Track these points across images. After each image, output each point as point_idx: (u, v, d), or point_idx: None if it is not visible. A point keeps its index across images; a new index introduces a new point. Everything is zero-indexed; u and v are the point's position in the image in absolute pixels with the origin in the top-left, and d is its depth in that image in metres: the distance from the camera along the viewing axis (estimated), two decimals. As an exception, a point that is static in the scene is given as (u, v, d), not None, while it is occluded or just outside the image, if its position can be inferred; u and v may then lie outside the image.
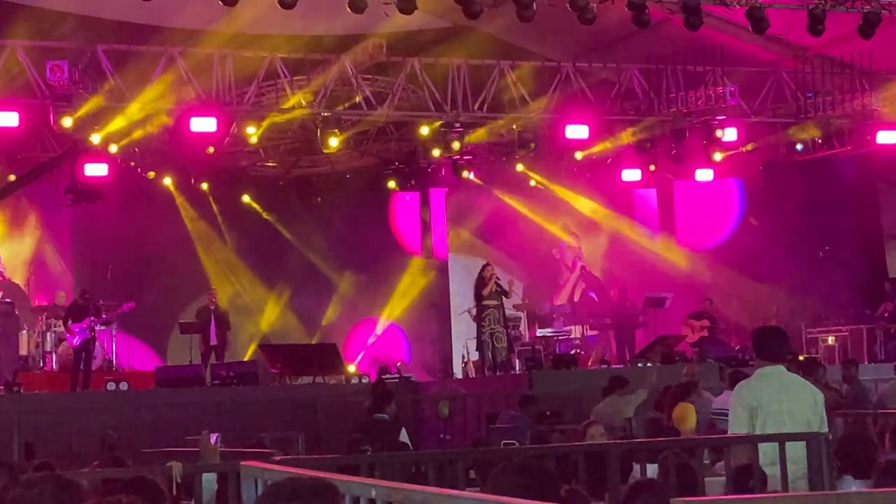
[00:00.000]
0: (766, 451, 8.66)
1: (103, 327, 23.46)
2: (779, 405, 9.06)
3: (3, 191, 14.24)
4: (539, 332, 25.81)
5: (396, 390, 21.17)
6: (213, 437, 16.46)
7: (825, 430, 9.10)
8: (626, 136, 25.59)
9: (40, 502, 5.06)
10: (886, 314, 25.53)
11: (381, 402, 15.36)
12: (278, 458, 8.64)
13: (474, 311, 23.49)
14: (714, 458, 11.54)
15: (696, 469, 8.88)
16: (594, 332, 27.80)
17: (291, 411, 20.07)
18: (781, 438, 9.74)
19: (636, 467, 9.63)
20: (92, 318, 22.35)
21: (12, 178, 23.95)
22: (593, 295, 29.05)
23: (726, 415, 16.46)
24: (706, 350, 23.38)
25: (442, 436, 19.72)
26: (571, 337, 26.91)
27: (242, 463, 6.64)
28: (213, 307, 24.38)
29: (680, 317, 26.96)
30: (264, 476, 6.30)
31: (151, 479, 6.87)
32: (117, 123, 22.57)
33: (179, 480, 7.94)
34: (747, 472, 9.64)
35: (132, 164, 24.67)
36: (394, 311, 27.95)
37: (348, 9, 17.50)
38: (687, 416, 15.81)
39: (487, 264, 24.11)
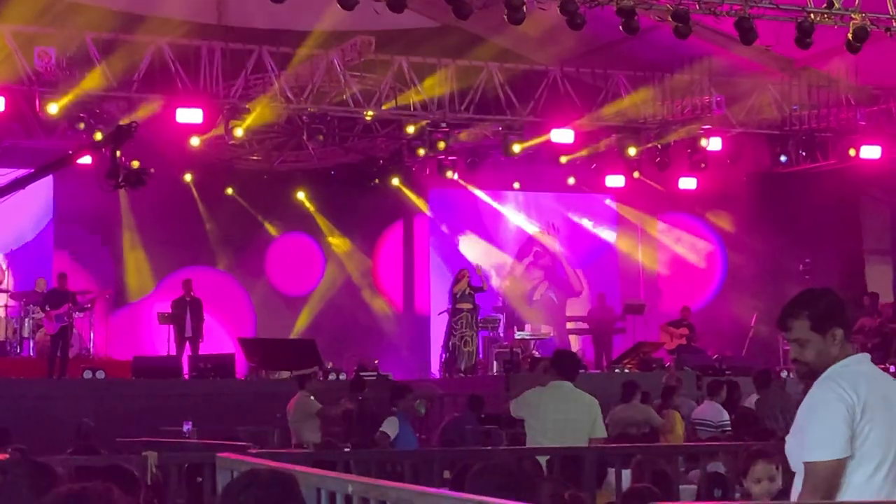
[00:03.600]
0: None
1: (81, 314, 23.39)
2: (564, 414, 10.67)
3: (35, 174, 14.07)
4: (517, 335, 25.83)
5: (373, 388, 21.32)
6: (187, 426, 16.55)
7: (602, 434, 10.91)
8: (611, 143, 25.65)
9: (15, 486, 5.06)
10: (866, 328, 25.62)
11: (397, 396, 15.61)
12: (254, 450, 8.65)
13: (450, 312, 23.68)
14: (689, 466, 11.60)
15: (673, 476, 8.94)
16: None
17: (268, 406, 20.02)
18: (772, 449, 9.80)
19: (610, 472, 9.69)
20: (70, 305, 22.31)
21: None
22: (552, 295, 29.09)
23: (706, 424, 16.79)
24: (684, 358, 23.48)
25: (418, 434, 19.72)
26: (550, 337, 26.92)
27: (218, 454, 6.65)
28: (188, 298, 24.30)
29: (658, 324, 27.02)
30: (240, 468, 6.31)
31: (127, 467, 6.87)
32: (103, 112, 22.52)
33: (155, 470, 7.95)
34: (720, 480, 9.71)
35: (116, 152, 24.53)
36: (374, 308, 27.96)
37: (339, 5, 17.49)
38: (675, 424, 15.98)
39: (463, 269, 24.17)
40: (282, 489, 4.36)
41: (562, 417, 10.63)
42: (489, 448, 10.36)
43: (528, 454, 8.86)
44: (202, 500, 8.28)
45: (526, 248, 29.40)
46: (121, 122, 18.49)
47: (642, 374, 21.31)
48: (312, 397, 17.47)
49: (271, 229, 27.48)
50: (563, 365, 11.07)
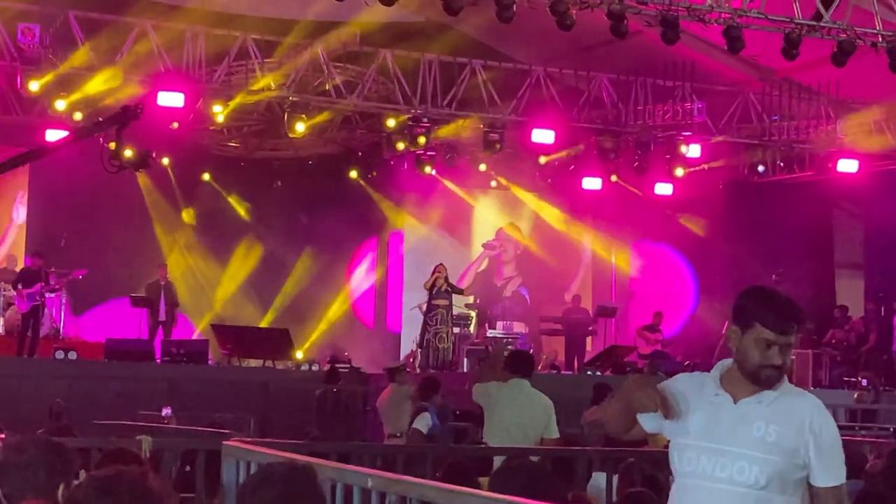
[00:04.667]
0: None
1: (52, 294, 23.26)
2: (520, 412, 11.08)
3: (37, 151, 13.88)
4: (489, 333, 25.83)
5: (346, 380, 21.31)
6: (166, 410, 16.49)
7: (556, 435, 11.21)
8: (591, 145, 25.71)
9: (31, 466, 5.00)
10: (833, 341, 25.76)
11: (428, 391, 15.90)
12: (250, 439, 8.61)
13: (425, 307, 23.63)
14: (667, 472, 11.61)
15: (663, 482, 8.94)
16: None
17: (241, 393, 19.98)
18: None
19: (599, 475, 9.70)
20: (42, 285, 22.19)
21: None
22: (525, 293, 29.14)
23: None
24: (656, 363, 23.51)
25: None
26: (521, 335, 26.92)
27: (224, 442, 6.62)
28: (163, 283, 24.21)
29: (630, 327, 27.06)
30: (247, 457, 6.29)
31: (135, 452, 6.83)
32: (84, 92, 22.45)
33: (148, 455, 7.90)
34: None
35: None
36: (347, 300, 27.93)
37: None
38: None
39: (440, 264, 24.15)
40: (301, 483, 4.31)
41: (518, 415, 11.03)
42: (481, 447, 10.33)
43: (518, 454, 8.86)
44: (193, 487, 8.23)
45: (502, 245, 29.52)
46: (127, 104, 18.36)
47: (615, 378, 21.32)
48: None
49: (246, 216, 27.38)
50: (519, 364, 11.46)
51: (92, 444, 7.77)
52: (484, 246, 29.18)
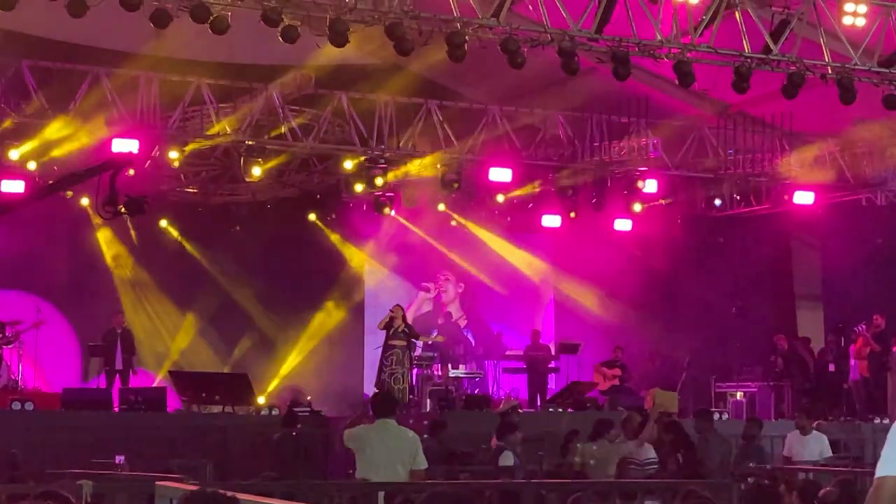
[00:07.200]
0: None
1: (9, 346, 23.11)
2: (388, 448, 11.75)
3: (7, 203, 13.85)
4: (452, 373, 25.75)
5: (305, 423, 21.18)
6: (119, 459, 16.33)
7: (424, 466, 11.86)
8: (549, 182, 25.77)
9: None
10: (776, 370, 25.81)
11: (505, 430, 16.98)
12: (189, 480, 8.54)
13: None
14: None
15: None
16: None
17: (200, 440, 19.83)
18: (679, 486, 9.84)
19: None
20: (0, 336, 22.03)
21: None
22: (469, 335, 29.06)
23: (634, 463, 16.80)
24: (616, 399, 23.53)
25: (350, 471, 19.57)
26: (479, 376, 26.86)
27: (157, 483, 6.55)
28: (119, 330, 24.09)
29: (591, 363, 27.05)
30: (178, 496, 6.21)
31: (63, 493, 6.74)
32: (38, 140, 22.39)
33: (90, 500, 7.82)
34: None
35: (49, 182, 24.33)
36: (308, 343, 27.79)
37: (280, 38, 17.42)
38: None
39: (397, 305, 24.07)
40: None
41: (387, 451, 11.76)
42: (429, 482, 10.28)
43: (467, 489, 8.82)
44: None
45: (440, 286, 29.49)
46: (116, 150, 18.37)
47: (575, 414, 21.34)
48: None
49: (204, 262, 27.24)
50: (382, 406, 12.45)
51: (29, 490, 7.68)
52: (419, 288, 29.13)
